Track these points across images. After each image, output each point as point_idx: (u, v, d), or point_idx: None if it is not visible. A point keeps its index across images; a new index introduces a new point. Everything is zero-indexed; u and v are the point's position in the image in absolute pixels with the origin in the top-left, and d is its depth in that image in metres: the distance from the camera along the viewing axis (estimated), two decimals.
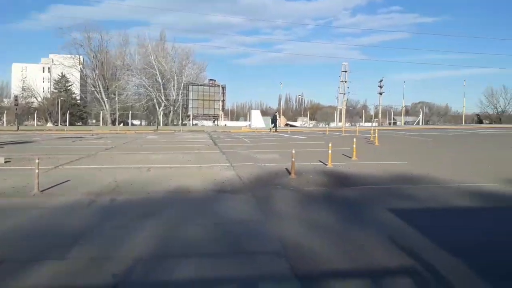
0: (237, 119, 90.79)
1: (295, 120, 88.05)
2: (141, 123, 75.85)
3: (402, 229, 5.80)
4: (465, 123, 73.30)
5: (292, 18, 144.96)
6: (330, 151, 12.42)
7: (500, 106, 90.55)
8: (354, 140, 15.11)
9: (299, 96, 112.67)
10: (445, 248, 4.88)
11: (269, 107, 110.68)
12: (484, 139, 27.74)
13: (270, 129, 42.26)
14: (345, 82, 72.27)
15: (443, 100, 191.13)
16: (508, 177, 9.93)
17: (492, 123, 79.83)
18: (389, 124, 79.24)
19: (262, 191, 8.63)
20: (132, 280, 4.20)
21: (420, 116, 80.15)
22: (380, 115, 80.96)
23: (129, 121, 65.03)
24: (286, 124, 62.88)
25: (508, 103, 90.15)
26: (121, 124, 60.16)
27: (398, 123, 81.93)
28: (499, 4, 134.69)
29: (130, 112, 63.89)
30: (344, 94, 72.70)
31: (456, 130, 41.47)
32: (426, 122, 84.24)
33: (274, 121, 43.51)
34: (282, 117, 58.33)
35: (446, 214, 6.89)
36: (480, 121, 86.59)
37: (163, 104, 67.90)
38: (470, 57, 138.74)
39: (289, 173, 10.62)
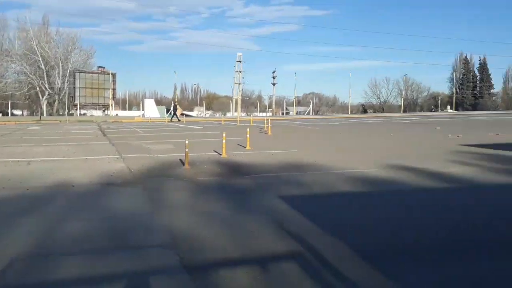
0: (130, 109, 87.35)
1: (191, 110, 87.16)
2: (22, 113, 69.71)
3: (291, 215, 5.99)
4: (351, 112, 78.37)
5: (186, 6, 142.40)
6: (224, 141, 12.48)
7: (382, 97, 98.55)
8: (248, 130, 15.39)
9: (195, 86, 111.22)
10: (330, 232, 5.13)
11: (164, 96, 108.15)
12: (367, 127, 29.90)
13: (178, 119, 41.91)
14: (240, 72, 73.04)
15: (332, 91, 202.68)
16: (385, 163, 10.75)
17: (375, 112, 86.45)
18: (282, 114, 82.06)
19: (153, 183, 8.41)
20: (7, 282, 3.83)
21: (311, 106, 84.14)
22: (274, 105, 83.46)
23: (9, 111, 59.56)
24: (182, 114, 61.95)
25: (390, 94, 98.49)
26: (0, 115, 54.95)
27: (290, 113, 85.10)
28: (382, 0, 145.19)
29: (10, 101, 58.53)
30: (240, 84, 73.50)
31: (342, 120, 44.17)
32: (316, 112, 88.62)
33: (174, 110, 43.21)
34: (178, 107, 57.42)
35: (332, 199, 7.28)
36: (365, 111, 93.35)
37: (47, 93, 63.02)
38: (355, 50, 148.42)
39: (183, 163, 10.48)
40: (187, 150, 10.33)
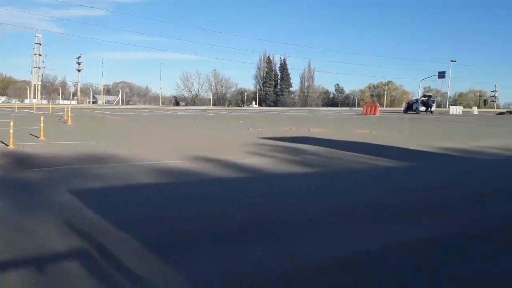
0: None
1: None
2: None
3: (81, 210, 5.61)
4: (164, 104, 78.38)
5: None
6: (11, 130, 11.13)
7: (194, 90, 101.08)
8: (42, 118, 14.05)
9: None
10: (121, 226, 4.94)
11: None
12: (176, 119, 30.20)
13: None
14: (40, 55, 66.39)
15: (144, 81, 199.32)
16: (189, 154, 10.94)
17: (188, 105, 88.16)
18: (89, 102, 77.57)
19: None
20: None
21: (120, 95, 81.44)
22: (79, 93, 78.12)
23: None
24: None
25: (201, 87, 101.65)
26: None
27: (99, 102, 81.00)
28: None
29: None
30: (39, 68, 66.80)
31: (153, 111, 43.84)
32: (127, 102, 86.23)
33: None
34: None
35: (129, 192, 7.04)
36: (177, 103, 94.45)
37: None
38: (168, 41, 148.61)
39: None
40: None
